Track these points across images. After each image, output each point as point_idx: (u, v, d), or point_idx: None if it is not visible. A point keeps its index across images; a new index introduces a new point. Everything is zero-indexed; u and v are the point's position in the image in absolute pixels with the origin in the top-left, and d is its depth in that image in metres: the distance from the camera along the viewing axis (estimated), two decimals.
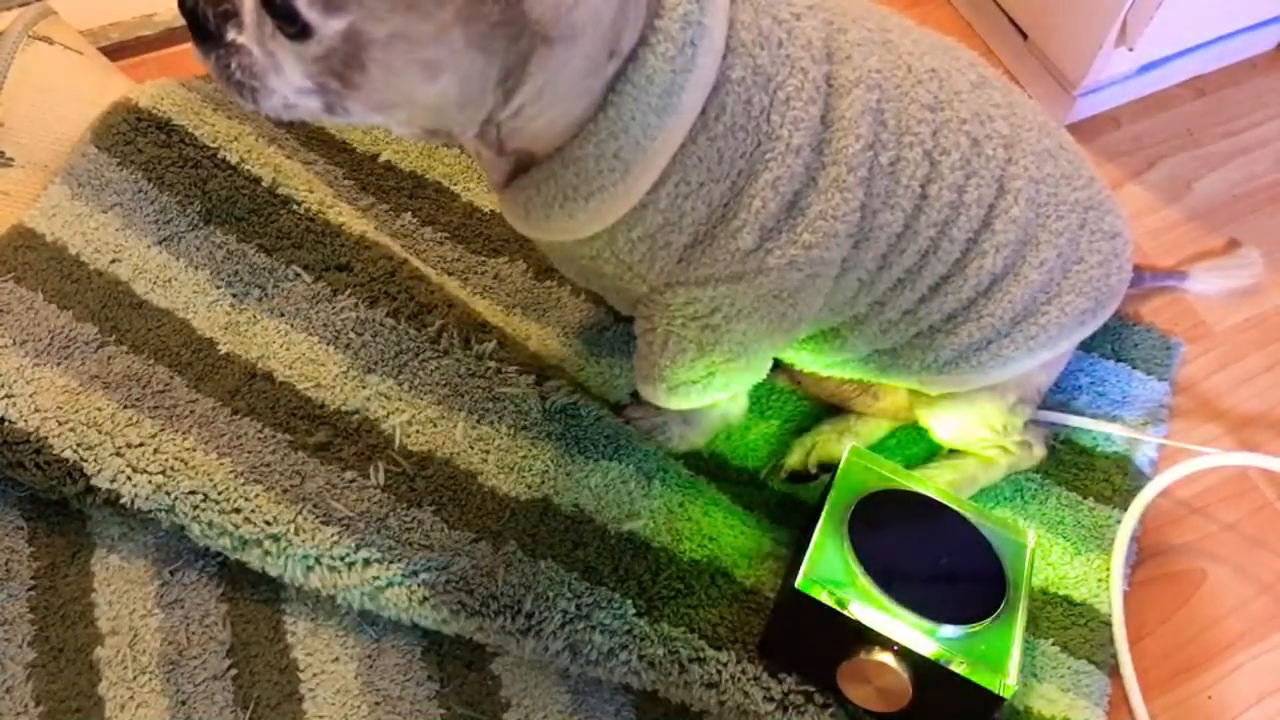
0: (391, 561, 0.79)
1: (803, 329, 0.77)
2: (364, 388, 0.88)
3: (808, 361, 0.85)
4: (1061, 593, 0.87)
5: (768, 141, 0.65)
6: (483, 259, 1.00)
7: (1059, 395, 0.95)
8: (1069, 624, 0.86)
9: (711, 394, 0.80)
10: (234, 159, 0.96)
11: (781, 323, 0.74)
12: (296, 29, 0.55)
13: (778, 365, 0.88)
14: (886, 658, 0.72)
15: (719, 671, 0.77)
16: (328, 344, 0.90)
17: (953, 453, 0.91)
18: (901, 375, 0.82)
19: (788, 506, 0.90)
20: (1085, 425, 0.94)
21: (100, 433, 0.82)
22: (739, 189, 0.67)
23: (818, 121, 0.66)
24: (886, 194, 0.70)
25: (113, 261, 0.92)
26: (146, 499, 0.80)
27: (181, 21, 0.59)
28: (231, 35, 0.57)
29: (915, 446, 0.94)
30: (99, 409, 0.83)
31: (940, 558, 0.76)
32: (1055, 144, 0.78)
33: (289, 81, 0.58)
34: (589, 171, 0.64)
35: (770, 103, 0.65)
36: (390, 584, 0.78)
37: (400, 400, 0.87)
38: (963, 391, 0.83)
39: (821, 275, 0.71)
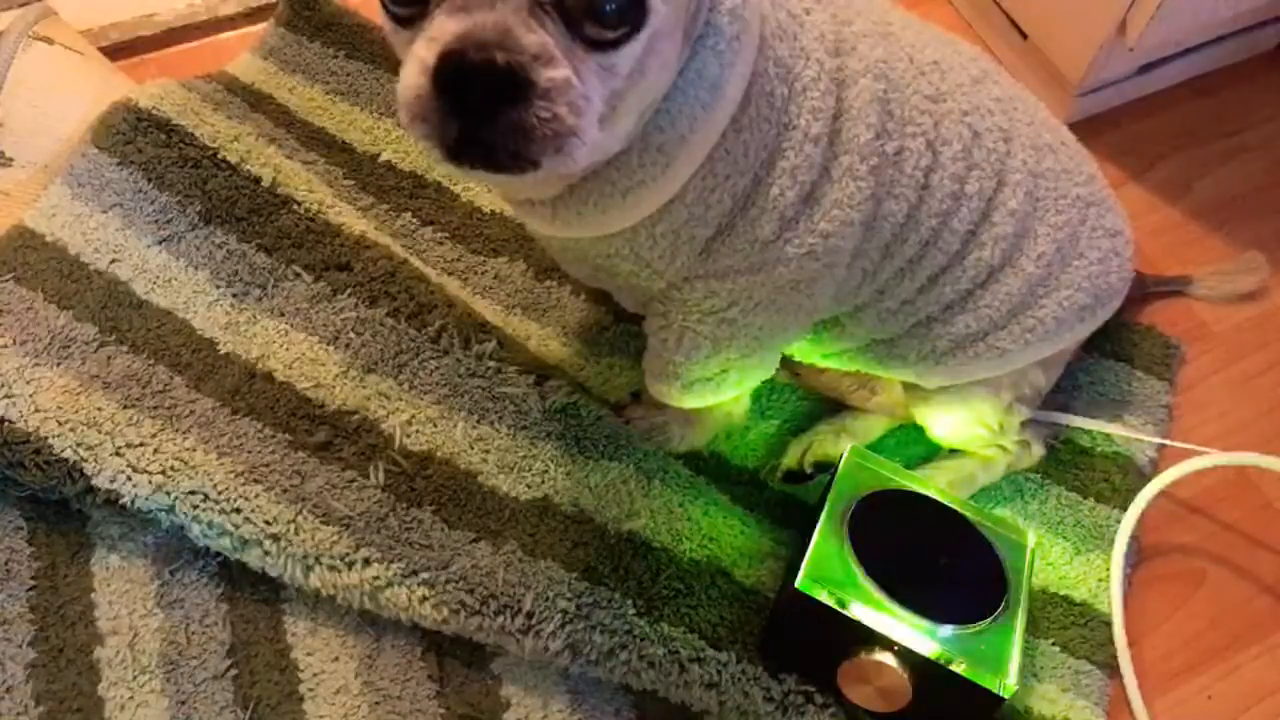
0: (391, 561, 0.79)
1: (813, 320, 0.77)
2: (364, 388, 0.88)
3: (806, 351, 0.85)
4: (1061, 593, 0.87)
5: (786, 131, 0.66)
6: (483, 259, 1.00)
7: (1059, 395, 0.95)
8: (1069, 624, 0.86)
9: (725, 391, 0.80)
10: (234, 159, 0.96)
11: (797, 314, 0.74)
12: (629, 25, 0.51)
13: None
14: (886, 658, 0.72)
15: (719, 671, 0.77)
16: (328, 344, 0.90)
17: (952, 452, 0.91)
18: (899, 366, 0.82)
19: (788, 506, 0.90)
20: (1085, 425, 0.94)
21: (100, 433, 0.82)
22: (759, 179, 0.67)
23: (832, 111, 0.67)
24: (891, 183, 0.70)
25: (113, 261, 0.92)
26: (146, 499, 0.80)
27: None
28: (549, 75, 0.49)
29: (915, 446, 0.94)
30: (99, 409, 0.83)
31: (940, 558, 0.76)
32: (1057, 139, 0.78)
33: (596, 110, 0.53)
34: (631, 166, 0.63)
35: (789, 93, 0.66)
36: (390, 584, 0.78)
37: (400, 400, 0.87)
38: (958, 387, 0.83)
39: (836, 265, 0.71)
